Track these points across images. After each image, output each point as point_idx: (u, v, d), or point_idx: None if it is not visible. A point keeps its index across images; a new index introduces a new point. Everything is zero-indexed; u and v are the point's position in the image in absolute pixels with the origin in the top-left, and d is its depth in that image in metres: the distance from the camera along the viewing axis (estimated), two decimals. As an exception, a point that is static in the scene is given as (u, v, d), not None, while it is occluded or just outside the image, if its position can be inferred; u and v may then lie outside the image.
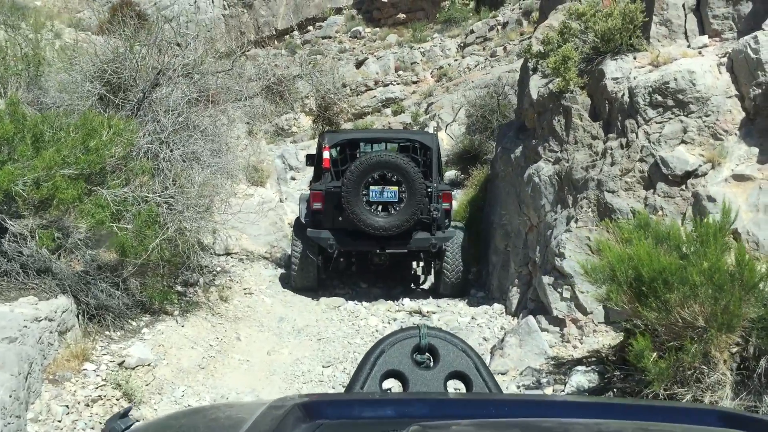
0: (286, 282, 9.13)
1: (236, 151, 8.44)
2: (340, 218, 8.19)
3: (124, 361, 5.77)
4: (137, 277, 6.71)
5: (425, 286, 9.68)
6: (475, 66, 25.78)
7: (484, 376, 1.40)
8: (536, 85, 7.83)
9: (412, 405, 1.14)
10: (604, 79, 7.07)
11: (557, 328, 6.71)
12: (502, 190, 8.56)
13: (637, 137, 6.65)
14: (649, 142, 6.57)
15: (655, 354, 4.42)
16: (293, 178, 20.59)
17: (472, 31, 27.24)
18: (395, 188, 8.16)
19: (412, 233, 8.24)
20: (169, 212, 6.74)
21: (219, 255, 9.67)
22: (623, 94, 6.86)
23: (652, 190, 6.47)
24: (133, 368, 5.76)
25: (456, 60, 27.27)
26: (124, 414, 1.18)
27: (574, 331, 6.54)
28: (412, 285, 9.79)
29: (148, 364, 5.89)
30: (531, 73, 8.09)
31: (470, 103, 13.28)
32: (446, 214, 8.50)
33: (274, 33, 32.67)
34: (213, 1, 34.00)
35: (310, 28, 33.57)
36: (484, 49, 26.64)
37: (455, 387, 1.56)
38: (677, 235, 4.83)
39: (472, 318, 7.79)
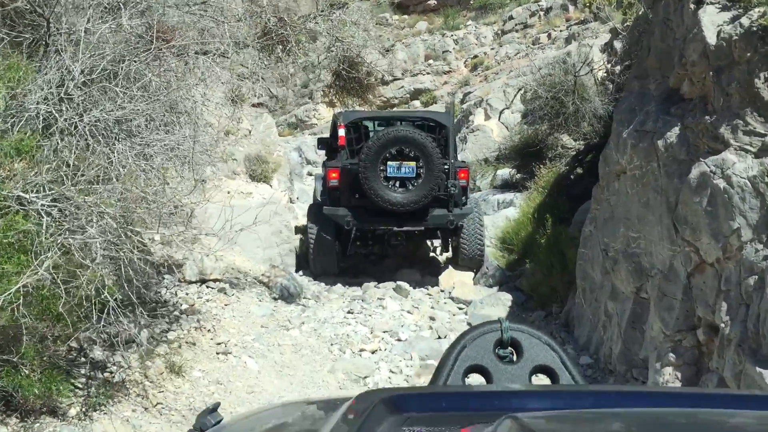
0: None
1: (209, 126, 5.12)
2: (357, 195, 7.95)
3: None
4: (-6, 349, 3.43)
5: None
6: (515, 54, 22.38)
7: (572, 370, 1.26)
8: (713, 23, 4.40)
9: (502, 397, 1.01)
10: None
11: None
12: (633, 198, 5.11)
13: None
14: None
15: None
16: (310, 174, 17.25)
17: (510, 18, 23.87)
18: (413, 164, 7.88)
19: (429, 210, 7.95)
20: (54, 223, 3.41)
21: (190, 283, 6.34)
22: None
23: None
24: None
25: (492, 48, 23.87)
26: (213, 409, 1.13)
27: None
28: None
29: None
30: (693, 6, 4.66)
31: (537, 82, 9.82)
32: (463, 191, 8.24)
33: (296, 17, 29.41)
34: (232, -13, 31.03)
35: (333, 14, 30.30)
36: (524, 36, 23.23)
37: (541, 382, 1.39)
38: None
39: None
